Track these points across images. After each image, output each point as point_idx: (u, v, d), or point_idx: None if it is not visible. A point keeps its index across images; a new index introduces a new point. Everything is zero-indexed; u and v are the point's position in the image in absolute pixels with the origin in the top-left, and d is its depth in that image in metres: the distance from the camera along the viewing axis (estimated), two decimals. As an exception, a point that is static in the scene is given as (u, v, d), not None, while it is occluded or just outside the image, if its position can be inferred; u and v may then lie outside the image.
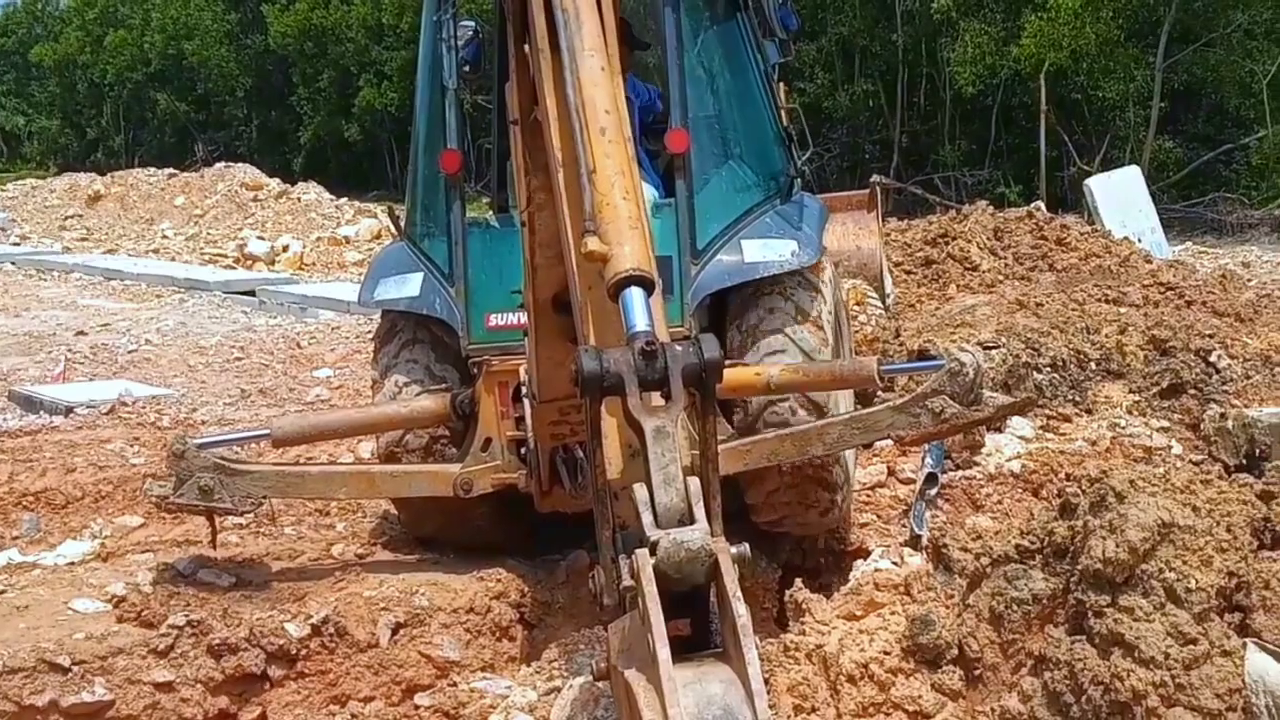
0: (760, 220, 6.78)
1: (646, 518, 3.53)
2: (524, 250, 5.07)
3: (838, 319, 7.23)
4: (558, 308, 4.85)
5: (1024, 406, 6.61)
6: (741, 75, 7.08)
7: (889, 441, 8.20)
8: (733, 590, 3.38)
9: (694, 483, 3.59)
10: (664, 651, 3.27)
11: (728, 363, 6.18)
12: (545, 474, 6.01)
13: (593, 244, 3.92)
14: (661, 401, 3.64)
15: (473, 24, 7.65)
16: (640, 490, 3.58)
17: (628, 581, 3.46)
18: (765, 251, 6.59)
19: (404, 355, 6.92)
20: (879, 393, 7.66)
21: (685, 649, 3.47)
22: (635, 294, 3.84)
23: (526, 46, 4.58)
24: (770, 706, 3.41)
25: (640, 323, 3.76)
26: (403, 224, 7.29)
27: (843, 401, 7.10)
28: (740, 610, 3.34)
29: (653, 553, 3.43)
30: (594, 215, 3.99)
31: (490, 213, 7.45)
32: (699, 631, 3.57)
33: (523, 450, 6.31)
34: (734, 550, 3.49)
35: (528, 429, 6.05)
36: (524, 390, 6.05)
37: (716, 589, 3.47)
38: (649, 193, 6.69)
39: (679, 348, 3.65)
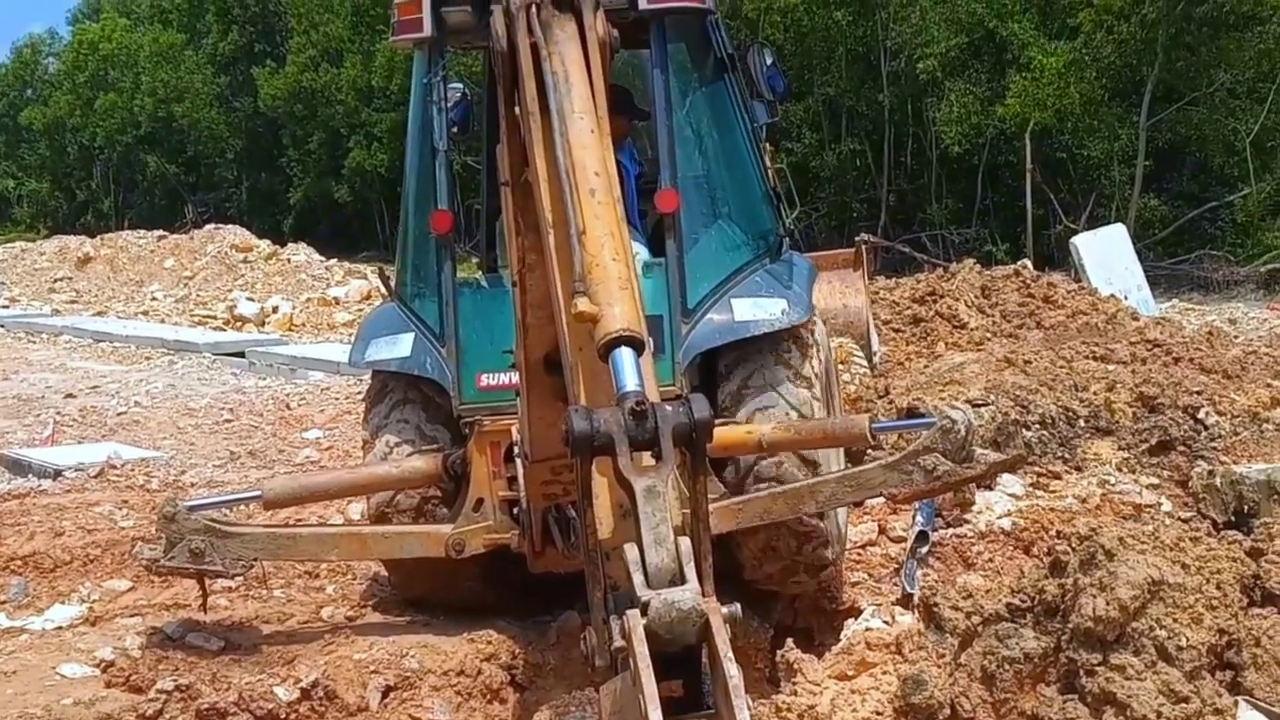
0: (750, 279, 6.80)
1: (638, 578, 3.53)
2: (515, 310, 5.09)
3: (828, 376, 7.25)
4: (549, 368, 4.86)
5: (1015, 464, 6.62)
6: (730, 135, 7.13)
7: (880, 499, 8.26)
8: (724, 651, 3.38)
9: (685, 543, 3.60)
10: (655, 713, 3.26)
11: (719, 421, 6.20)
12: (538, 534, 5.99)
13: (583, 304, 3.94)
14: (652, 461, 3.66)
15: (460, 86, 7.71)
16: (631, 550, 3.59)
17: (619, 642, 3.46)
18: (756, 310, 6.61)
19: (395, 415, 6.91)
20: (868, 450, 7.67)
21: (677, 710, 3.46)
22: (625, 354, 3.86)
23: (517, 109, 4.61)
24: None
25: (630, 383, 3.78)
26: (393, 284, 7.32)
27: (833, 460, 7.11)
28: (732, 671, 3.34)
29: (644, 613, 3.43)
30: (584, 276, 4.02)
31: (480, 273, 7.48)
32: (691, 692, 3.56)
33: (515, 510, 6.29)
34: (725, 610, 3.49)
35: (520, 489, 6.03)
36: (516, 450, 6.04)
37: (708, 649, 3.46)
38: (643, 252, 6.74)
39: (669, 408, 3.67)
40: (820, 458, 6.71)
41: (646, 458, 3.67)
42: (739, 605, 3.56)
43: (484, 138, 7.95)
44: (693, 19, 6.88)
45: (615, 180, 4.32)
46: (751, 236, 7.06)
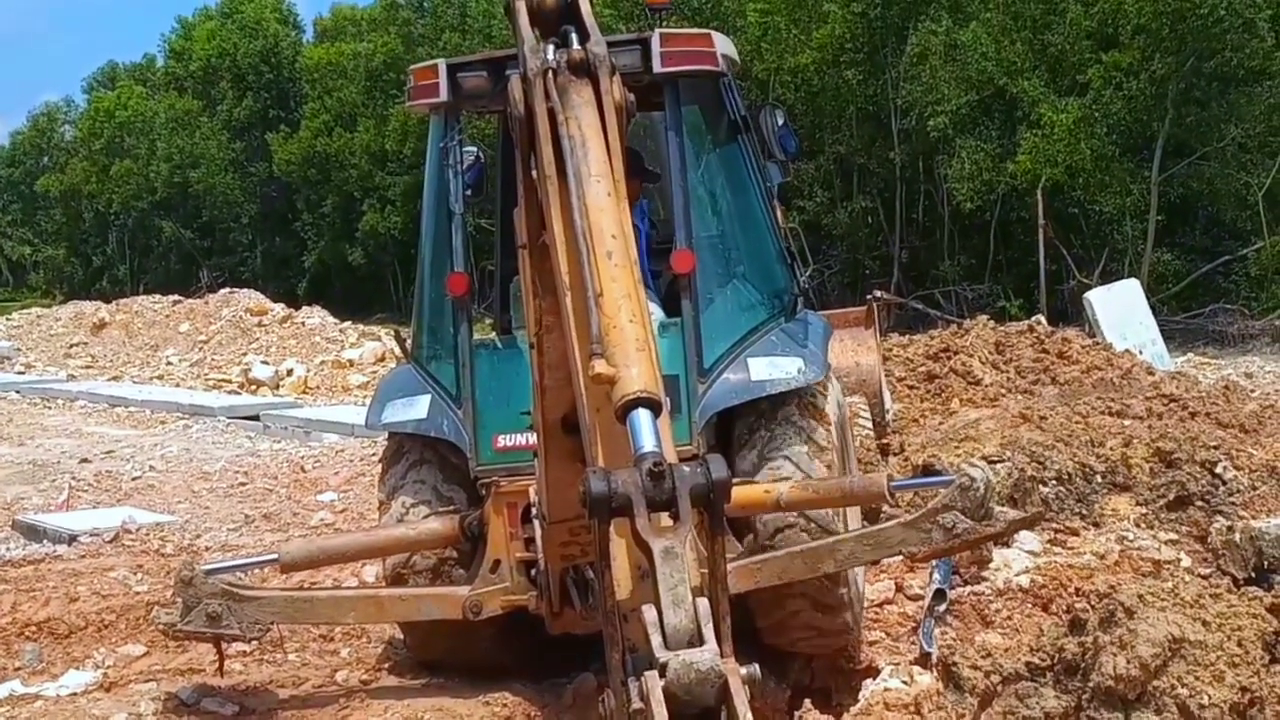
0: (766, 338, 6.81)
1: (655, 639, 3.52)
2: (533, 372, 5.09)
3: (843, 434, 7.24)
4: (567, 429, 4.85)
5: (1034, 521, 6.60)
6: (744, 196, 7.17)
7: (896, 557, 8.21)
8: (743, 713, 3.36)
9: (703, 603, 3.59)
10: None
11: (736, 481, 6.19)
12: (556, 595, 5.94)
13: (600, 366, 3.95)
14: (670, 522, 3.65)
15: (475, 149, 7.77)
16: (649, 611, 3.57)
17: (637, 704, 3.44)
18: (772, 370, 6.61)
19: (411, 477, 6.91)
20: (883, 509, 7.64)
21: None
22: (643, 415, 3.87)
23: (534, 173, 4.64)
24: None
25: (648, 444, 3.78)
26: (409, 346, 7.34)
27: (849, 519, 7.08)
28: None
29: (662, 674, 3.41)
30: (601, 338, 4.03)
31: (495, 334, 7.50)
32: None
33: (533, 572, 6.27)
34: (744, 671, 3.47)
35: (538, 550, 6.01)
36: (534, 511, 6.03)
37: (727, 710, 3.44)
38: (654, 312, 6.75)
39: (686, 468, 3.67)
40: (839, 518, 6.68)
41: (664, 519, 3.66)
42: (757, 666, 3.55)
43: (498, 200, 7.99)
44: (706, 81, 6.92)
45: (632, 243, 4.34)
46: (766, 296, 7.09)
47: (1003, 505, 8.49)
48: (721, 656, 3.49)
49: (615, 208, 4.34)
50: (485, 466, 6.62)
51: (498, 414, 6.63)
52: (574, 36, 4.66)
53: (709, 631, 3.53)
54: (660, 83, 6.68)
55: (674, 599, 3.55)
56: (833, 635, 6.78)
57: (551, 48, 4.61)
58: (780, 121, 7.74)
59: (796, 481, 6.34)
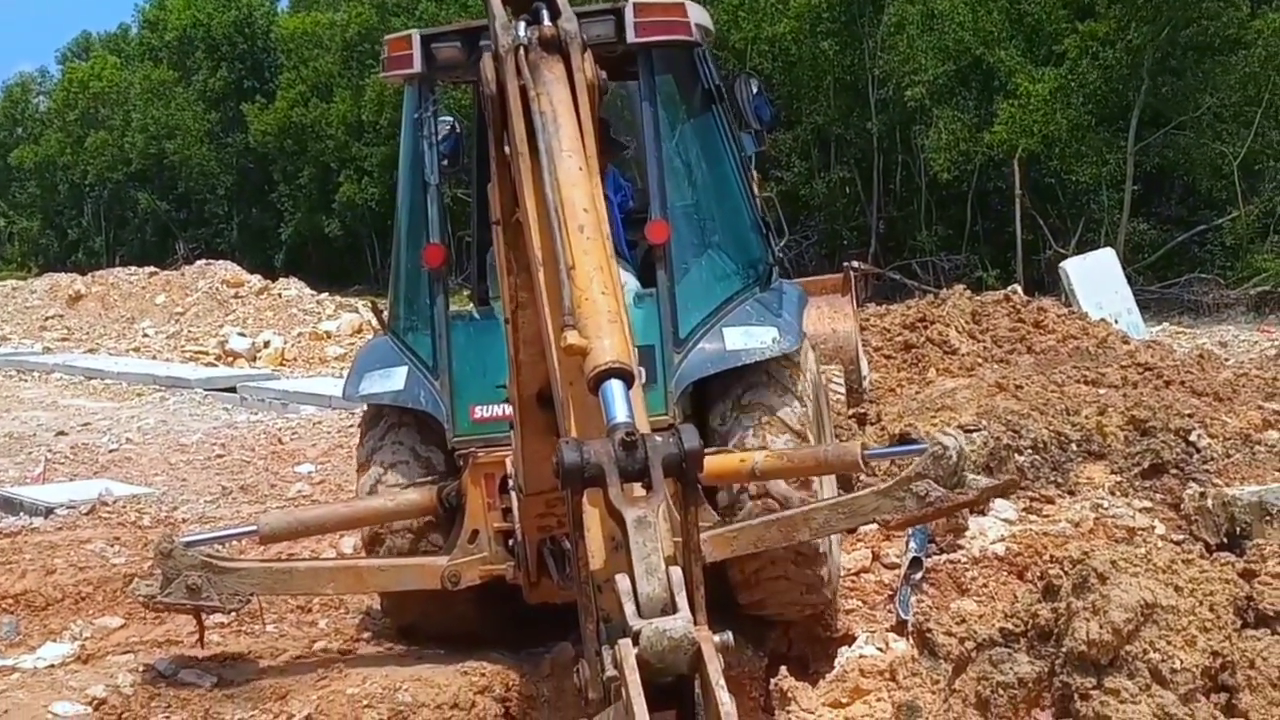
0: (741, 308, 6.84)
1: (629, 608, 3.54)
2: (508, 347, 5.12)
3: (818, 403, 7.27)
4: (542, 403, 4.87)
5: (1007, 489, 6.64)
6: (719, 166, 7.18)
7: (873, 526, 8.24)
8: (716, 679, 3.38)
9: (676, 572, 3.61)
10: None
11: (712, 450, 6.21)
12: (533, 565, 5.99)
13: (572, 338, 3.97)
14: (643, 492, 3.67)
15: (450, 119, 7.74)
16: (623, 581, 3.59)
17: (611, 672, 3.46)
18: (747, 339, 6.65)
19: (389, 449, 6.95)
20: (858, 478, 7.67)
21: None
22: (615, 386, 3.89)
23: (507, 149, 4.65)
24: None
25: (620, 414, 3.80)
26: (386, 318, 7.33)
27: (826, 486, 7.11)
28: (724, 699, 3.34)
29: (635, 642, 3.43)
30: (573, 310, 4.06)
31: (472, 305, 7.49)
32: None
33: (510, 542, 6.31)
34: (717, 638, 3.50)
35: (515, 521, 6.04)
36: (510, 483, 6.06)
37: (700, 677, 3.46)
38: (629, 283, 6.75)
39: (659, 438, 3.69)
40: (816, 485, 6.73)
41: (638, 489, 3.68)
42: (730, 633, 3.57)
43: (474, 171, 7.97)
44: (680, 51, 6.92)
45: (604, 217, 4.37)
46: (742, 266, 7.11)
47: (977, 474, 8.58)
48: (695, 624, 3.51)
49: (587, 182, 4.37)
50: (462, 437, 6.65)
51: (474, 385, 6.65)
52: (545, 13, 4.69)
53: (682, 600, 3.55)
54: (634, 53, 6.68)
55: (647, 568, 3.57)
56: (810, 602, 6.85)
57: (523, 24, 4.64)
58: (755, 90, 7.74)
59: (771, 450, 6.37)
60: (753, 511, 6.50)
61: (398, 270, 7.24)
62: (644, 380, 6.35)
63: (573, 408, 4.24)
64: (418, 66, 6.64)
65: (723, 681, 3.39)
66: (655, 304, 6.65)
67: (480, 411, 6.63)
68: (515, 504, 5.96)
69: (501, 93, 4.58)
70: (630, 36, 6.49)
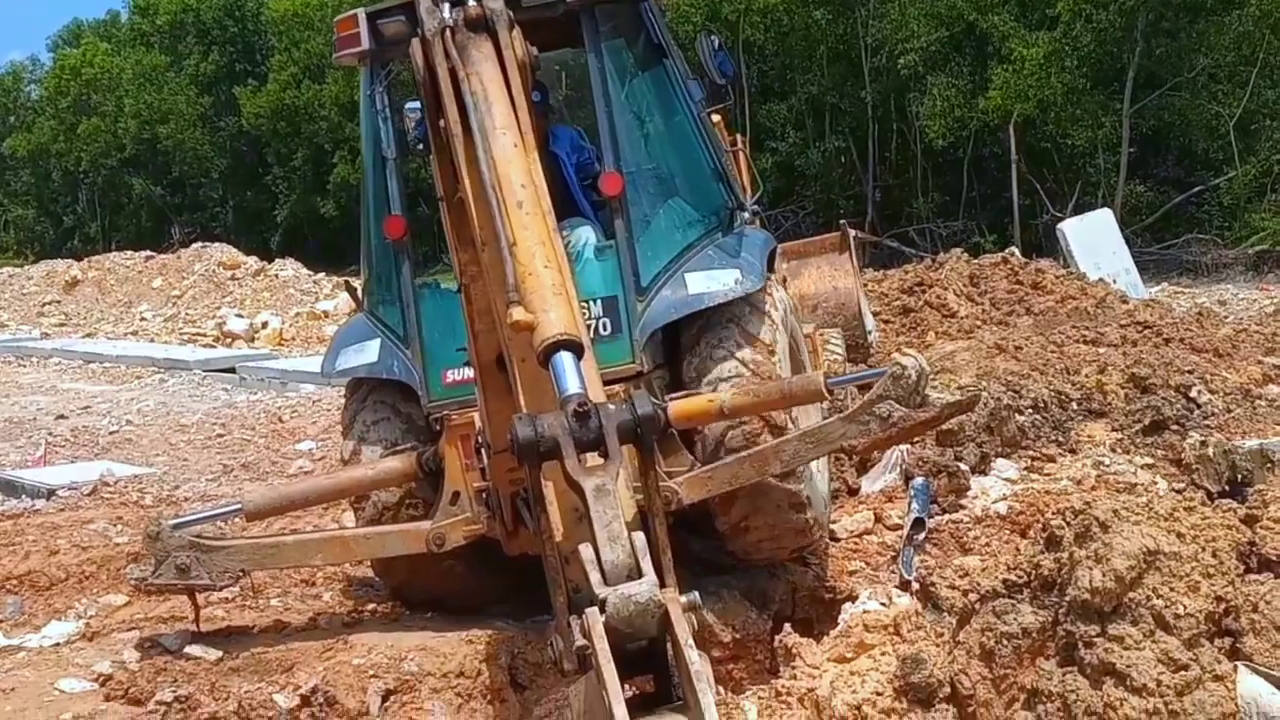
0: (703, 253, 6.93)
1: (594, 576, 3.56)
2: (464, 318, 5.24)
3: (792, 341, 7.35)
4: (501, 367, 4.94)
5: (969, 405, 6.63)
6: (673, 117, 7.25)
7: (875, 488, 8.26)
8: (685, 639, 3.40)
9: (639, 537, 3.63)
10: (619, 707, 3.28)
11: (681, 394, 6.36)
12: (509, 517, 6.04)
13: (518, 314, 4.02)
14: (600, 461, 3.67)
15: (419, 105, 7.76)
16: (586, 550, 3.61)
17: (580, 641, 3.47)
18: (709, 283, 6.73)
19: (368, 420, 7.05)
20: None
21: (649, 706, 3.47)
22: (565, 358, 3.93)
23: (442, 123, 4.68)
24: None
25: (572, 386, 3.83)
26: (360, 295, 7.40)
27: (810, 417, 7.18)
28: (693, 657, 3.35)
29: (602, 610, 3.44)
30: (518, 286, 4.10)
31: (438, 275, 7.56)
32: (662, 687, 3.57)
33: (486, 497, 6.36)
34: (684, 599, 3.51)
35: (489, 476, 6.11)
36: (479, 440, 6.13)
37: (670, 638, 3.47)
38: (592, 236, 6.90)
39: (612, 406, 3.72)
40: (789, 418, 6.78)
41: (594, 458, 3.70)
42: (698, 594, 3.58)
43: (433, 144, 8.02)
44: (624, 6, 7.00)
45: (544, 191, 4.43)
46: (703, 213, 7.18)
47: (980, 433, 8.59)
48: (662, 587, 3.52)
49: (523, 158, 4.43)
50: (436, 402, 6.76)
51: (444, 350, 6.75)
52: None
53: (647, 564, 3.56)
54: (575, 13, 6.74)
55: (609, 535, 3.59)
56: (793, 535, 6.87)
57: (448, 5, 4.70)
58: (716, 46, 7.96)
59: (738, 388, 6.43)
60: (728, 446, 6.55)
61: (368, 247, 7.32)
62: (609, 331, 6.45)
63: (524, 385, 4.30)
64: (365, 44, 6.69)
65: (692, 641, 3.40)
66: (616, 255, 6.74)
67: (452, 375, 6.73)
68: (486, 460, 6.04)
69: (432, 75, 4.66)
70: None
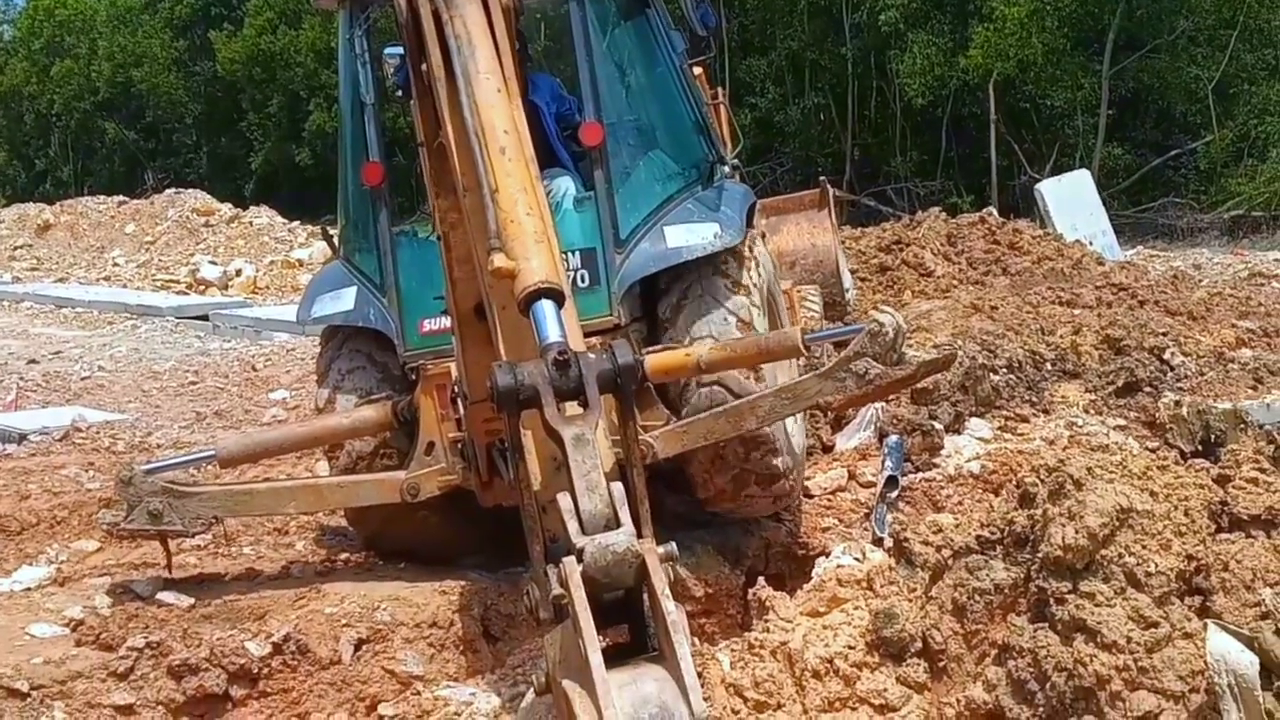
0: (682, 206, 6.91)
1: (572, 525, 3.56)
2: (443, 265, 5.20)
3: (771, 296, 7.37)
4: (479, 315, 4.93)
5: (945, 364, 6.64)
6: (654, 68, 7.25)
7: (849, 445, 8.28)
8: (661, 589, 3.40)
9: (617, 487, 3.63)
10: (596, 655, 3.28)
11: (658, 347, 6.36)
12: (484, 468, 6.04)
13: (499, 260, 4.00)
14: (579, 410, 3.66)
15: (399, 50, 7.71)
16: (564, 499, 3.60)
17: (557, 590, 3.47)
18: (688, 236, 6.72)
19: (343, 367, 7.05)
20: None
21: (625, 655, 3.48)
22: (546, 307, 3.91)
23: (425, 73, 4.65)
24: (705, 700, 3.41)
25: (553, 334, 3.82)
26: (338, 243, 7.36)
27: (784, 373, 7.18)
28: (670, 607, 3.36)
29: (579, 559, 3.44)
30: (499, 233, 4.08)
31: (415, 223, 7.53)
32: (637, 637, 3.58)
33: (462, 448, 6.35)
34: (661, 550, 3.52)
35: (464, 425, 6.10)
36: (456, 390, 6.11)
37: (646, 589, 3.47)
38: (572, 187, 6.88)
39: (592, 355, 3.71)
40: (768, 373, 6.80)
41: (573, 407, 3.69)
42: (674, 544, 3.58)
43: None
44: None
45: (526, 138, 4.41)
46: (683, 166, 7.18)
47: (955, 392, 8.62)
48: (639, 537, 3.52)
49: (506, 104, 4.40)
50: (413, 351, 6.74)
51: (421, 299, 6.73)
52: None
53: (625, 514, 3.57)
54: None
55: (588, 485, 3.59)
56: (769, 486, 6.88)
57: None
58: None
59: (715, 343, 6.42)
60: (702, 401, 6.54)
61: (345, 194, 7.27)
62: (587, 283, 6.44)
63: (503, 331, 4.30)
64: None
65: (668, 591, 3.41)
66: (595, 206, 6.71)
67: (429, 324, 6.72)
68: (462, 410, 6.03)
69: (415, 18, 4.61)
70: None
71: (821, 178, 13.22)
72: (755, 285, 6.90)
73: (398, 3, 4.63)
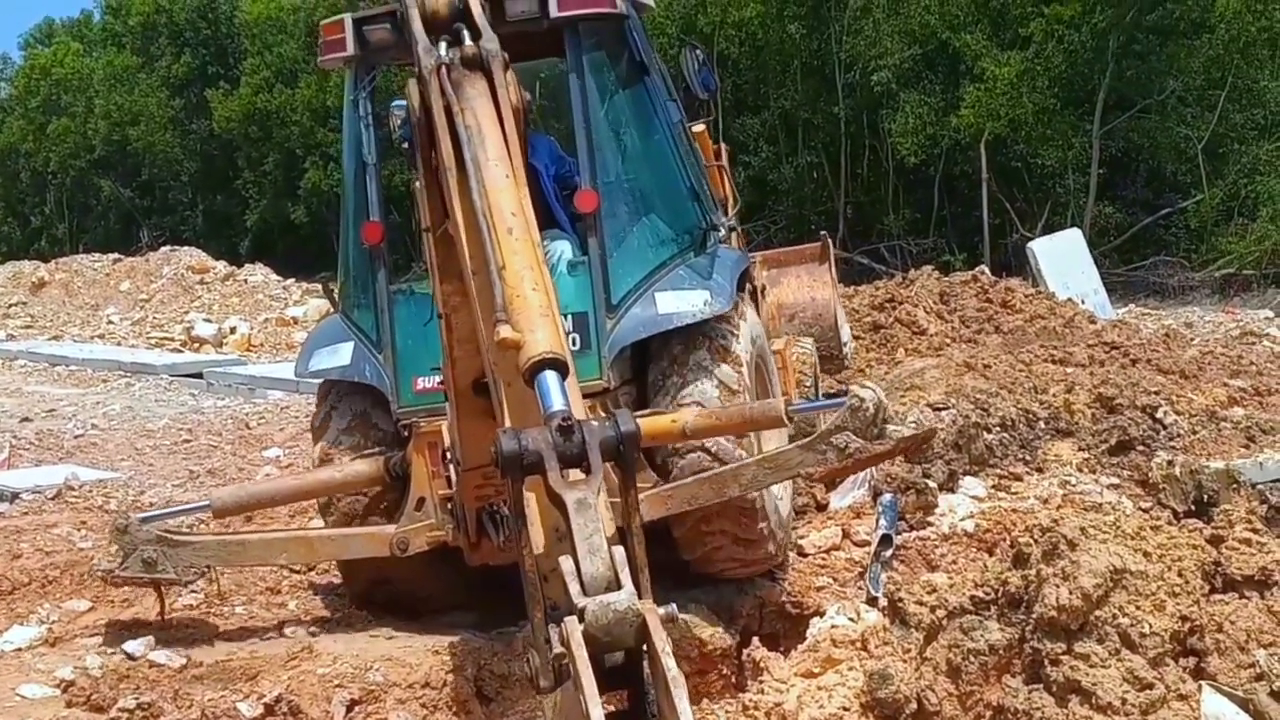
0: (674, 273, 6.97)
1: (574, 587, 3.57)
2: (443, 343, 5.30)
3: (761, 360, 7.42)
4: (478, 391, 5.01)
5: (926, 439, 6.71)
6: (651, 136, 7.30)
7: (843, 504, 8.29)
8: (662, 648, 3.41)
9: (619, 551, 3.64)
10: (597, 711, 3.27)
11: (645, 412, 6.44)
12: (473, 529, 6.11)
13: (505, 332, 4.06)
14: (581, 475, 3.68)
15: (404, 104, 7.76)
16: (566, 562, 3.62)
17: (558, 649, 3.48)
18: (679, 303, 6.79)
19: (338, 422, 7.12)
20: None
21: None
22: (550, 377, 3.97)
23: (434, 164, 4.76)
24: None
25: (557, 403, 3.87)
26: (337, 298, 7.46)
27: (772, 441, 7.22)
28: (670, 665, 3.36)
29: (581, 619, 3.44)
30: (506, 306, 4.14)
31: (412, 281, 7.59)
32: (636, 704, 3.57)
33: (451, 506, 6.41)
34: (662, 610, 3.52)
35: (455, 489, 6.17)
36: (448, 456, 6.18)
37: (647, 648, 3.47)
38: (568, 251, 6.95)
39: (595, 423, 3.73)
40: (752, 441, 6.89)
41: (576, 473, 3.72)
42: (674, 605, 3.59)
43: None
44: (607, 24, 7.02)
45: (532, 222, 4.47)
46: (676, 232, 7.23)
47: (946, 449, 8.63)
48: (640, 599, 3.53)
49: (514, 189, 4.48)
50: (406, 408, 6.81)
51: (416, 358, 6.80)
52: (466, 34, 4.83)
53: (626, 577, 3.58)
54: (559, 27, 6.76)
55: (590, 548, 3.60)
56: (753, 550, 6.93)
57: (444, 44, 4.78)
58: (700, 60, 8.06)
59: (702, 410, 6.50)
60: (689, 467, 6.62)
61: (345, 250, 7.36)
62: (578, 346, 6.53)
63: (509, 405, 4.34)
64: (351, 49, 6.75)
65: (669, 650, 3.41)
66: (589, 271, 6.79)
67: (422, 383, 6.78)
68: (454, 475, 6.10)
69: (427, 114, 4.71)
70: (553, 12, 6.61)
71: (822, 232, 13.30)
72: (743, 352, 6.95)
73: (410, 102, 4.75)
